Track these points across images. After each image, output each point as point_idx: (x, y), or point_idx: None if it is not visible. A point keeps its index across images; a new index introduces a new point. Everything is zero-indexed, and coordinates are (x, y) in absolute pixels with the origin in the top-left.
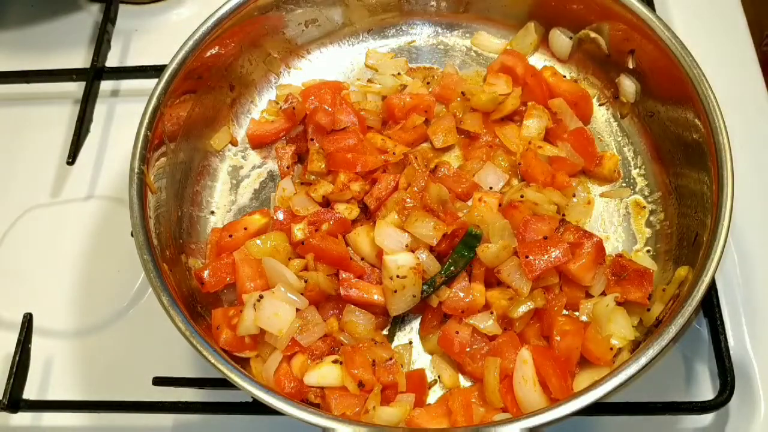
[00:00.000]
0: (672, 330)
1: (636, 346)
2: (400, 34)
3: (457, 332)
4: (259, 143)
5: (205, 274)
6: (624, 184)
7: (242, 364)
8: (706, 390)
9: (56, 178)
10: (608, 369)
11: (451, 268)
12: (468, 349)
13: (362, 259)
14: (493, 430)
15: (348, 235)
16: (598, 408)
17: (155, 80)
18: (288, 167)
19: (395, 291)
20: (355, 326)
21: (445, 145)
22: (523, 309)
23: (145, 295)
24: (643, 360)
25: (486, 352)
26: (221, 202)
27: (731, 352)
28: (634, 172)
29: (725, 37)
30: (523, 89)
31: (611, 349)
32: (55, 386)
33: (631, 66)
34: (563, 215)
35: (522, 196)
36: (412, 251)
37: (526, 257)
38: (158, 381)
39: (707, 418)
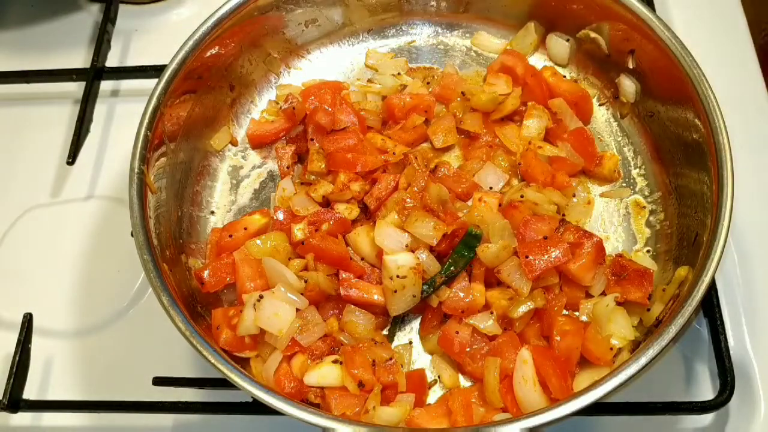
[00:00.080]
0: (672, 330)
1: (636, 346)
2: (400, 34)
3: (457, 332)
4: (259, 143)
5: (205, 274)
6: (624, 184)
7: (242, 364)
8: (706, 390)
9: (56, 178)
10: (608, 369)
11: (451, 268)
12: (468, 349)
13: (362, 259)
14: (493, 430)
15: (348, 235)
16: (598, 408)
17: (155, 80)
18: (288, 167)
19: (395, 291)
20: (355, 326)
21: (445, 145)
22: (523, 309)
23: (145, 295)
24: (643, 360)
25: (486, 352)
26: (221, 202)
27: (731, 352)
28: (634, 172)
29: (725, 37)
30: (523, 89)
31: (611, 349)
32: (55, 386)
33: (631, 66)
34: (563, 215)
35: (522, 196)
36: (412, 251)
37: (526, 257)
38: (158, 381)
39: (707, 418)
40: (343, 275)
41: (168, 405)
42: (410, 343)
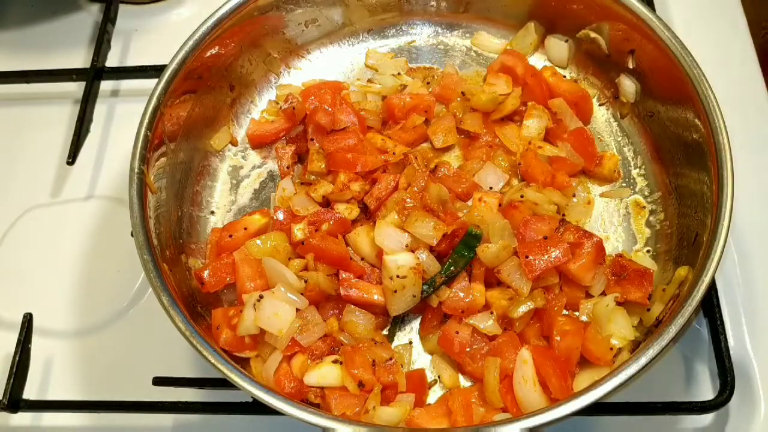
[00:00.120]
0: (672, 330)
1: (636, 346)
2: (400, 34)
3: (457, 332)
4: (259, 143)
5: (205, 274)
6: (624, 184)
7: (242, 364)
8: (706, 390)
9: (56, 178)
10: (608, 369)
11: (451, 268)
12: (468, 349)
13: (362, 259)
14: (493, 430)
15: (348, 235)
16: (598, 408)
17: (155, 80)
18: (288, 167)
19: (395, 291)
20: (355, 326)
21: (445, 145)
22: (523, 309)
23: (145, 295)
24: (643, 360)
25: (486, 352)
26: (221, 202)
27: (731, 352)
28: (634, 172)
29: (725, 37)
30: (523, 89)
31: (611, 349)
32: (55, 386)
33: (631, 66)
34: (563, 215)
35: (522, 196)
36: (412, 251)
37: (526, 257)
38: (158, 381)
39: (707, 418)
40: (343, 275)
41: (168, 405)
42: (410, 343)
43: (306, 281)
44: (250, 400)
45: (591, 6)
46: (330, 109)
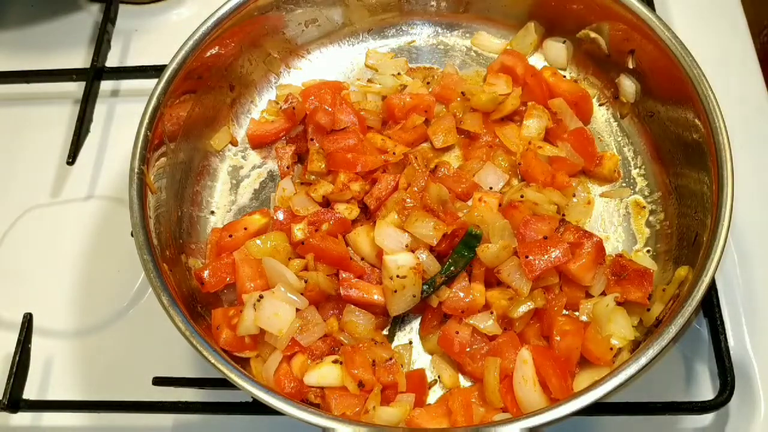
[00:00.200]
0: (672, 330)
1: (636, 346)
2: (400, 34)
3: (457, 332)
4: (259, 143)
5: (205, 274)
6: (624, 184)
7: (242, 364)
8: (706, 390)
9: (56, 178)
10: (608, 369)
11: (451, 268)
12: (468, 349)
13: (362, 259)
14: (493, 430)
15: (348, 235)
16: (598, 408)
17: (155, 80)
18: (288, 167)
19: (395, 291)
20: (355, 326)
21: (445, 145)
22: (523, 309)
23: (145, 295)
24: (643, 360)
25: (486, 352)
26: (221, 202)
27: (731, 352)
28: (634, 172)
29: (725, 37)
30: (523, 89)
31: (611, 349)
32: (55, 386)
33: (631, 66)
34: (563, 215)
35: (522, 196)
36: (412, 251)
37: (526, 257)
38: (158, 381)
39: (707, 418)
40: (343, 275)
41: (168, 405)
42: (410, 343)
43: (306, 281)
44: (250, 400)
45: (591, 6)
46: (330, 109)
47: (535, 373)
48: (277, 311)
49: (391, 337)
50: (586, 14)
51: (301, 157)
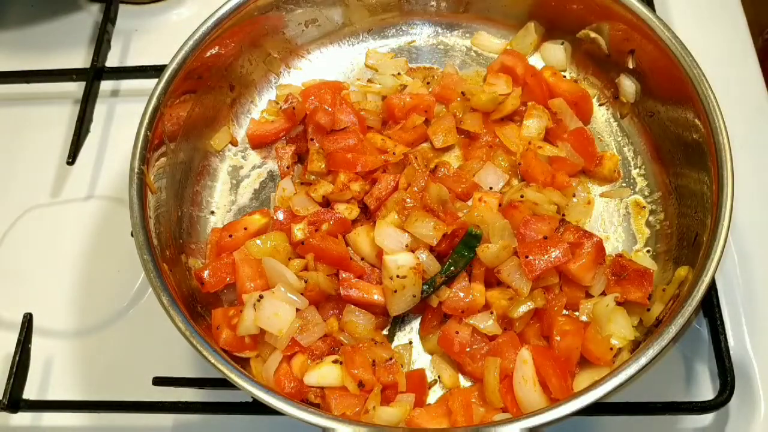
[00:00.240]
0: (672, 330)
1: (636, 346)
2: (400, 34)
3: (457, 332)
4: (259, 143)
5: (205, 274)
6: (624, 184)
7: (242, 364)
8: (706, 390)
9: (56, 178)
10: (608, 369)
11: (451, 268)
12: (468, 349)
13: (362, 259)
14: (493, 430)
15: (348, 235)
16: (598, 408)
17: (155, 80)
18: (288, 167)
19: (395, 291)
20: (355, 326)
21: (445, 145)
22: (523, 309)
23: (145, 295)
24: (643, 360)
25: (486, 352)
26: (221, 202)
27: (731, 352)
28: (634, 172)
29: (725, 37)
30: (523, 89)
31: (611, 349)
32: (55, 386)
33: (631, 66)
34: (563, 215)
35: (522, 196)
36: (412, 251)
37: (526, 257)
38: (158, 381)
39: (707, 418)
40: (343, 275)
41: (168, 405)
42: (410, 343)
43: (306, 281)
44: (250, 400)
45: (591, 6)
46: (330, 109)
47: (535, 373)
48: (277, 311)
49: (391, 337)
50: (586, 14)
51: (301, 157)
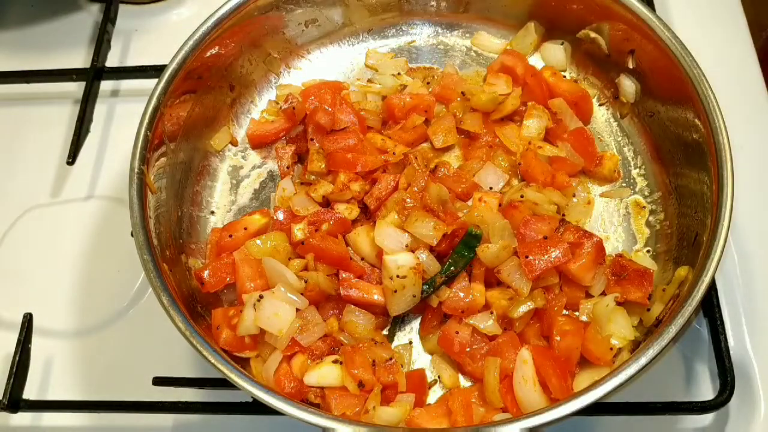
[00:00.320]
0: (672, 330)
1: (636, 346)
2: (400, 34)
3: (457, 332)
4: (259, 143)
5: (205, 274)
6: (624, 184)
7: (242, 364)
8: (706, 390)
9: (56, 178)
10: (608, 369)
11: (451, 268)
12: (468, 349)
13: (362, 259)
14: (493, 430)
15: (348, 235)
16: (598, 408)
17: (155, 80)
18: (288, 167)
19: (395, 291)
20: (355, 326)
21: (445, 145)
22: (523, 309)
23: (145, 295)
24: (643, 360)
25: (486, 352)
26: (221, 202)
27: (731, 352)
28: (634, 172)
29: (725, 37)
30: (523, 89)
31: (611, 349)
32: (55, 386)
33: (631, 66)
34: (563, 215)
35: (522, 196)
36: (412, 251)
37: (526, 257)
38: (158, 381)
39: (707, 418)
40: (343, 275)
41: (168, 405)
42: (410, 343)
43: (306, 281)
44: (250, 400)
45: (591, 6)
46: (330, 109)
47: (535, 373)
48: (277, 311)
49: (391, 337)
50: (586, 14)
51: (301, 157)
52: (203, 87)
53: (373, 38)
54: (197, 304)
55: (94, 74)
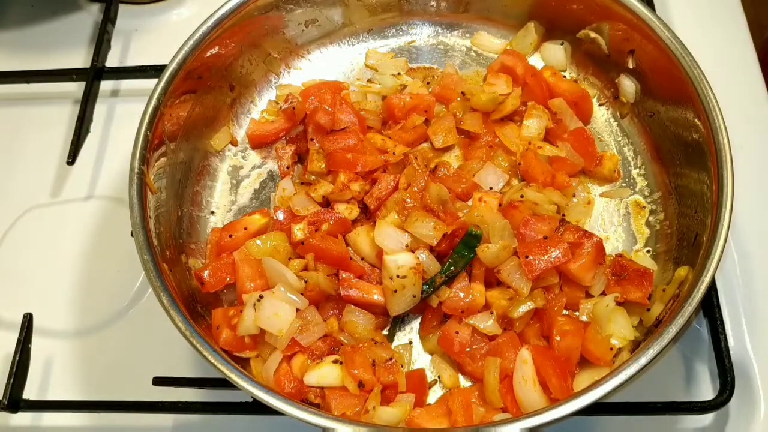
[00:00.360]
0: (672, 330)
1: (636, 346)
2: (400, 34)
3: (457, 332)
4: (259, 143)
5: (205, 274)
6: (624, 184)
7: (242, 364)
8: (706, 390)
9: (56, 178)
10: (608, 369)
11: (451, 268)
12: (468, 349)
13: (362, 259)
14: (493, 430)
15: (348, 235)
16: (598, 408)
17: (155, 80)
18: (288, 167)
19: (395, 291)
20: (355, 326)
21: (445, 145)
22: (523, 309)
23: (145, 295)
24: (643, 360)
25: (486, 352)
26: (221, 202)
27: (731, 352)
28: (634, 172)
29: (725, 37)
30: (523, 89)
31: (611, 349)
32: (55, 386)
33: (631, 66)
34: (563, 215)
35: (522, 196)
36: (412, 251)
37: (526, 257)
38: (158, 381)
39: (707, 418)
40: (343, 275)
41: (168, 405)
42: (410, 343)
43: (306, 281)
44: (250, 400)
45: (591, 6)
46: (330, 109)
47: (535, 373)
48: (277, 311)
49: (391, 337)
50: (586, 14)
51: (301, 157)
52: (203, 87)
53: (373, 38)
54: (197, 304)
55: (94, 74)
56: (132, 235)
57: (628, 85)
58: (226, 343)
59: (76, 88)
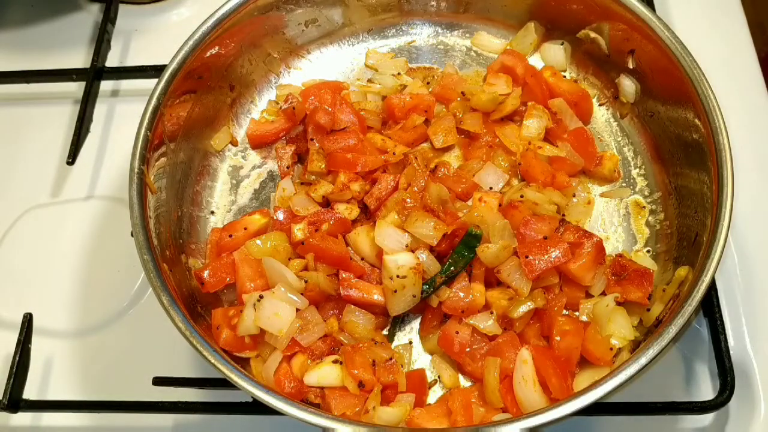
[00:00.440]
0: (672, 330)
1: (636, 346)
2: (400, 34)
3: (457, 332)
4: (259, 143)
5: (205, 274)
6: (624, 184)
7: (242, 364)
8: (706, 390)
9: (56, 178)
10: (608, 369)
11: (451, 268)
12: (468, 349)
13: (362, 259)
14: (493, 430)
15: (348, 235)
16: (598, 408)
17: (155, 80)
18: (288, 167)
19: (395, 291)
20: (355, 326)
21: (445, 145)
22: (523, 309)
23: (145, 295)
24: (643, 360)
25: (486, 352)
26: (221, 202)
27: (731, 352)
28: (634, 172)
29: (725, 37)
30: (523, 89)
31: (611, 349)
32: (55, 386)
33: (631, 66)
34: (563, 215)
35: (522, 196)
36: (412, 251)
37: (526, 257)
38: (158, 381)
39: (707, 418)
40: (343, 275)
41: (168, 405)
42: (410, 343)
43: (306, 281)
44: (250, 400)
45: (591, 6)
46: (330, 109)
47: (535, 373)
48: (277, 311)
49: (391, 337)
50: (586, 14)
51: (301, 157)
52: (203, 87)
53: (373, 38)
54: (197, 304)
55: (94, 74)
56: (132, 235)
57: (628, 85)
58: (226, 343)
59: (76, 88)
